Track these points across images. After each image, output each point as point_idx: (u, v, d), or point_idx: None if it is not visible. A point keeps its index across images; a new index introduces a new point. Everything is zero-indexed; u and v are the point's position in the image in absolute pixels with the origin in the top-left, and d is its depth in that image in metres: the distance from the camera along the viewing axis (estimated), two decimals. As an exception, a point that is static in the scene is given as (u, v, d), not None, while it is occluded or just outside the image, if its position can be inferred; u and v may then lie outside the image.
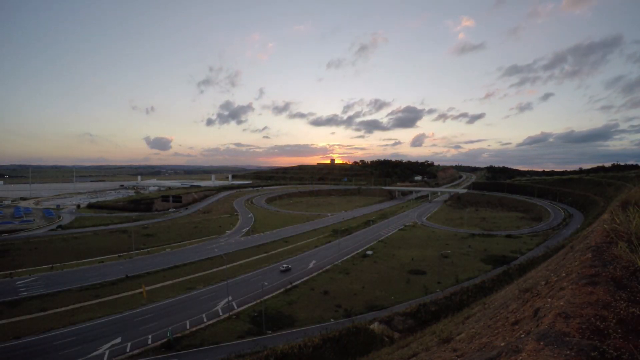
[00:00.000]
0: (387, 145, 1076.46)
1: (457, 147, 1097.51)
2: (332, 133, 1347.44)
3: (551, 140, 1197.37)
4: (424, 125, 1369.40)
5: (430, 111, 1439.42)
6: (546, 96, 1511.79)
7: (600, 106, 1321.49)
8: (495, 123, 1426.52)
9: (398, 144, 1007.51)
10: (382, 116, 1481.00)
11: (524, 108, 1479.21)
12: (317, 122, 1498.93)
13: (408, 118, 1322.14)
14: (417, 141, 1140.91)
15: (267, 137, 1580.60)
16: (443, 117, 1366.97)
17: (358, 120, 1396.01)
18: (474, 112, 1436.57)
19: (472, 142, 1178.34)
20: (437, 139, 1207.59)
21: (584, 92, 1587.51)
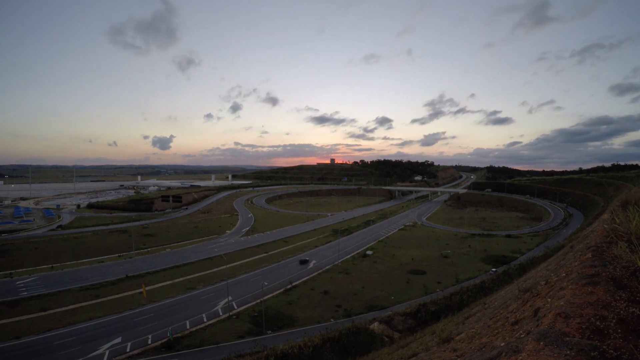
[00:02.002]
0: (392, 145, 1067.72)
1: (465, 146, 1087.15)
2: (334, 131, 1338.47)
3: (558, 138, 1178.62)
4: (439, 123, 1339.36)
5: (451, 104, 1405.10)
6: (566, 91, 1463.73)
7: (628, 99, 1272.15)
8: (510, 120, 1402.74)
9: (407, 143, 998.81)
10: (391, 114, 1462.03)
11: (543, 103, 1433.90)
12: (320, 120, 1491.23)
13: (422, 116, 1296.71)
14: (429, 140, 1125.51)
15: (262, 136, 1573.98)
16: (461, 111, 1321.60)
17: (364, 118, 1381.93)
18: (492, 108, 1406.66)
19: (482, 141, 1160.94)
20: (447, 138, 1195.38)
21: (605, 83, 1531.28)
